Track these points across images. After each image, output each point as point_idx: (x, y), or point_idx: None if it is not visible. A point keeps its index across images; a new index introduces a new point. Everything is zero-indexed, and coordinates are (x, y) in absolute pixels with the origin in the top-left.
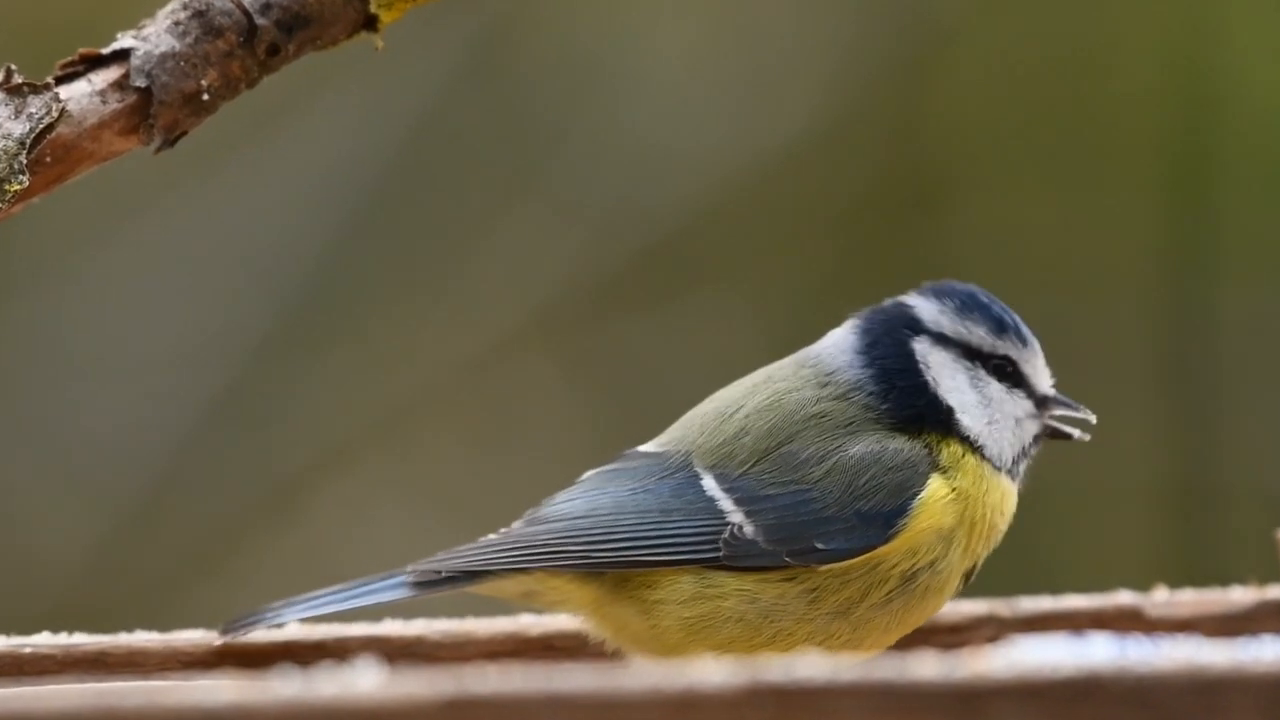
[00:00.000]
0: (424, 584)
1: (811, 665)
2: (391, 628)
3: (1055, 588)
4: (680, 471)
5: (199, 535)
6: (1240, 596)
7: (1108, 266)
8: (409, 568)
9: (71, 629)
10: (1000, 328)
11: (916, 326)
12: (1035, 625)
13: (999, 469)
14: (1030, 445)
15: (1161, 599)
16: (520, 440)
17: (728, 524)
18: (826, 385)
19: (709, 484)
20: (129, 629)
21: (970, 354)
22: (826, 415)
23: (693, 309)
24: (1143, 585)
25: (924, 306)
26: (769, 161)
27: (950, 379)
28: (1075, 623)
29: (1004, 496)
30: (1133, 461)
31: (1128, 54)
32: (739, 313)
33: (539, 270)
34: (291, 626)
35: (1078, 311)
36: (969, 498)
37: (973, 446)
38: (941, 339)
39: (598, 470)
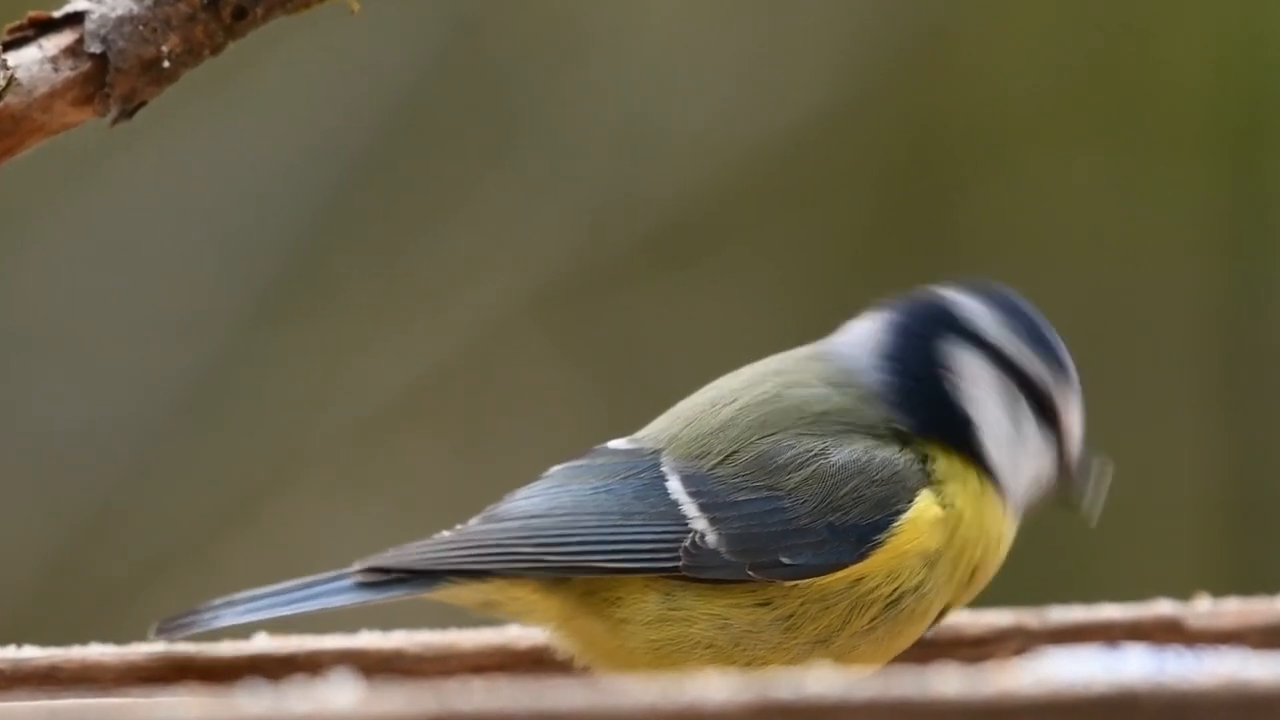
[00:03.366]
0: (373, 585)
1: (823, 681)
2: (368, 640)
3: (1090, 598)
4: (647, 471)
5: (159, 538)
6: None
7: (1153, 247)
8: (355, 565)
9: (20, 641)
10: (1049, 354)
11: (951, 323)
12: (1066, 637)
13: (1004, 500)
14: (1036, 499)
15: (1204, 609)
16: (512, 431)
17: (690, 531)
18: (838, 384)
19: (674, 486)
20: (83, 641)
21: (1010, 370)
22: (826, 415)
23: (695, 289)
24: (1189, 597)
25: (962, 301)
26: (780, 134)
27: (979, 389)
28: (1110, 634)
29: (1002, 527)
30: (1181, 461)
31: (1177, 11)
32: (743, 292)
33: (532, 249)
34: (259, 638)
35: (1119, 297)
36: (962, 519)
37: (985, 469)
38: (979, 342)
39: (564, 465)
